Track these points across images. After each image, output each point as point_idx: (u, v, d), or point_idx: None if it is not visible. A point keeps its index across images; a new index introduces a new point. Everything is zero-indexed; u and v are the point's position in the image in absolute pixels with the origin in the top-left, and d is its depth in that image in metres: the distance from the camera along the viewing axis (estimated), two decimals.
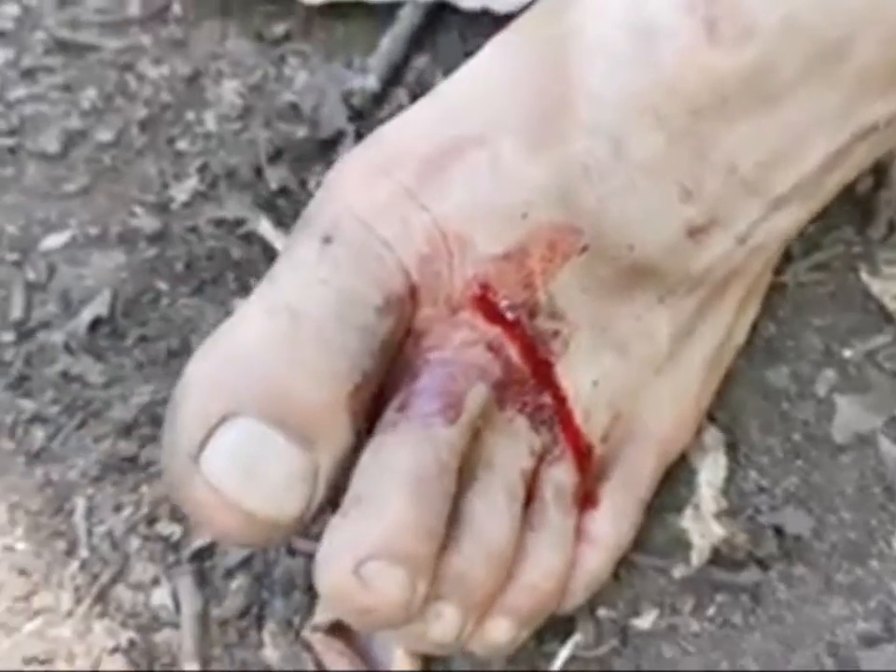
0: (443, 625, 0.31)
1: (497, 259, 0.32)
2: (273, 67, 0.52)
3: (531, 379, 0.33)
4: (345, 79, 0.51)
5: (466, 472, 0.32)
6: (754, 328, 0.40)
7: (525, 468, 0.33)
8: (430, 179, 0.32)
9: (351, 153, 0.33)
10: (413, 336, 0.32)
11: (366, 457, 0.30)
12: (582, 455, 0.35)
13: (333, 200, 0.32)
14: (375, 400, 0.32)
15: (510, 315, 0.32)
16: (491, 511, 0.32)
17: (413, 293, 0.31)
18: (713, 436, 0.39)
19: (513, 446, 0.33)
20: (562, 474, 0.35)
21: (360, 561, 0.29)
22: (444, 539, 0.30)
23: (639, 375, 0.36)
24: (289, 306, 0.30)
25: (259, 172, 0.49)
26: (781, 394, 0.40)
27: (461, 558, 0.31)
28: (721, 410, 0.39)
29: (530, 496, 0.34)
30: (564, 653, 0.36)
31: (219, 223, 0.48)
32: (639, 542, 0.37)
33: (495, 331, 0.32)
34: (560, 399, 0.34)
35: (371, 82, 0.49)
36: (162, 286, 0.46)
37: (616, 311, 0.34)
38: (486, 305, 0.32)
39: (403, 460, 0.30)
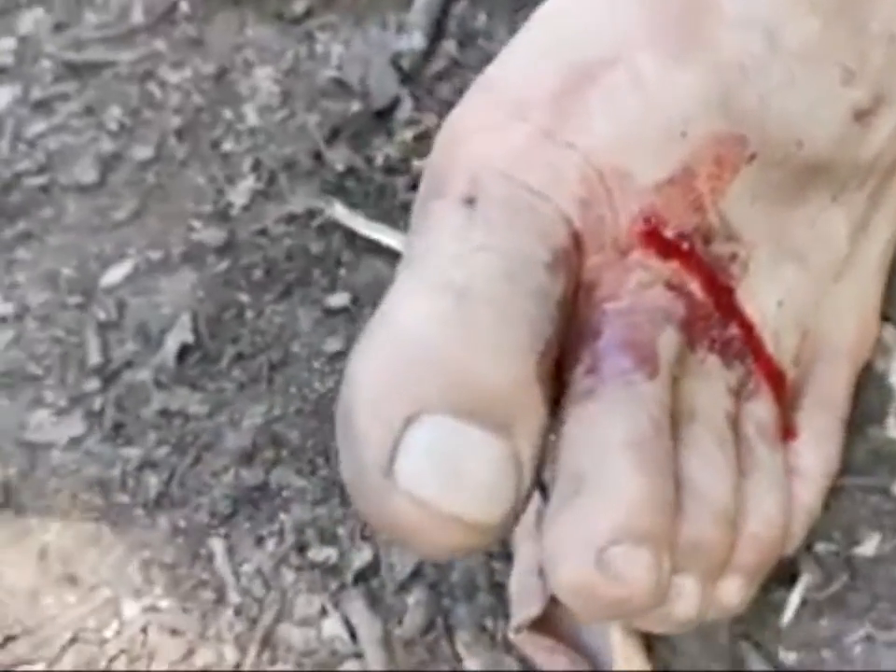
0: (686, 602, 0.28)
1: (662, 187, 0.28)
2: (302, 46, 0.48)
3: (715, 312, 0.30)
4: (387, 42, 0.47)
5: (672, 428, 0.28)
6: None
7: (728, 410, 0.30)
8: (568, 113, 0.28)
9: (464, 103, 0.30)
10: (584, 289, 0.28)
11: (572, 431, 0.27)
12: (777, 383, 0.32)
13: (463, 156, 0.28)
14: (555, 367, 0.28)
15: (684, 246, 0.29)
16: (708, 467, 0.28)
17: (577, 242, 0.28)
18: (892, 333, 0.36)
19: (711, 389, 0.30)
20: (761, 409, 0.31)
21: (601, 549, 0.25)
22: None
23: (820, 285, 0.32)
24: (451, 282, 0.26)
25: (318, 157, 0.45)
26: None
27: (691, 524, 0.28)
28: (894, 304, 0.36)
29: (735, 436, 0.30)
30: (794, 600, 0.33)
31: (289, 219, 0.44)
32: (844, 464, 0.33)
33: (671, 267, 0.29)
34: (747, 328, 0.31)
35: (417, 40, 0.45)
36: (244, 298, 0.43)
37: (791, 219, 0.31)
38: (657, 239, 0.28)
39: (618, 428, 0.26)
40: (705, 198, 0.29)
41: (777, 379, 0.31)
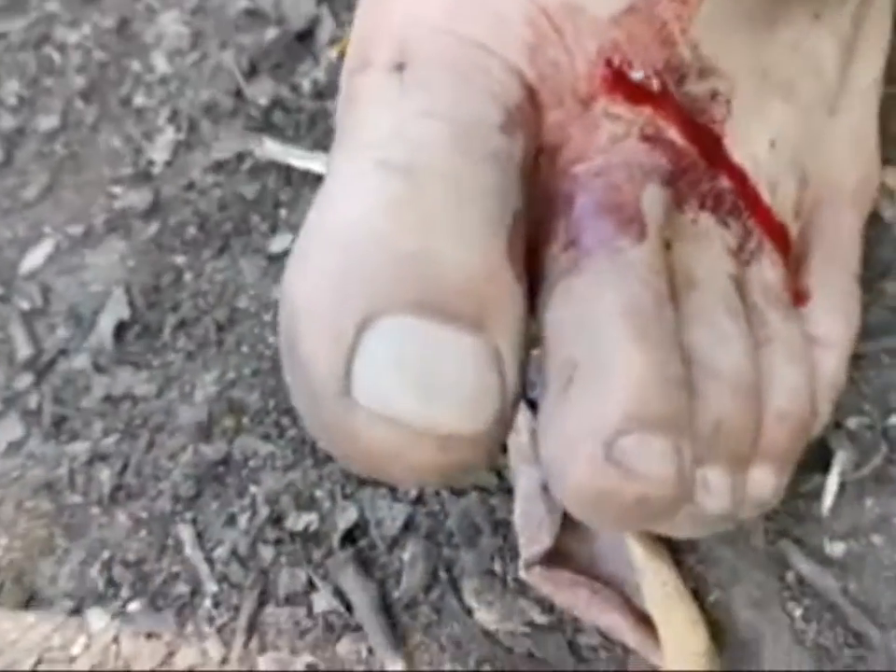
0: (716, 496, 0.24)
1: (620, 19, 0.24)
2: None
3: (701, 161, 0.25)
4: None
5: (672, 298, 0.24)
6: None
7: (731, 272, 0.26)
8: None
9: None
10: (547, 153, 0.24)
11: (557, 314, 0.23)
12: (781, 240, 0.28)
13: (386, 18, 0.24)
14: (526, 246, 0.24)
15: (655, 87, 0.25)
16: (719, 337, 0.24)
17: (532, 96, 0.23)
18: (895, 176, 0.32)
19: (709, 251, 0.26)
20: (766, 271, 0.27)
21: (609, 442, 0.21)
22: None
23: (814, 119, 0.28)
24: (392, 159, 0.22)
25: (239, 95, 0.41)
26: None
27: (708, 404, 0.24)
28: (891, 144, 0.32)
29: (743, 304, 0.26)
30: (832, 484, 0.29)
31: (217, 167, 0.40)
32: (862, 326, 0.29)
33: (644, 113, 0.24)
34: (739, 178, 0.26)
35: None
36: (180, 259, 0.38)
37: (772, 43, 0.27)
38: (623, 82, 0.24)
39: (609, 300, 0.22)
40: (671, 26, 0.24)
41: (779, 234, 0.27)
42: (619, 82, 0.24)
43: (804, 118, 0.28)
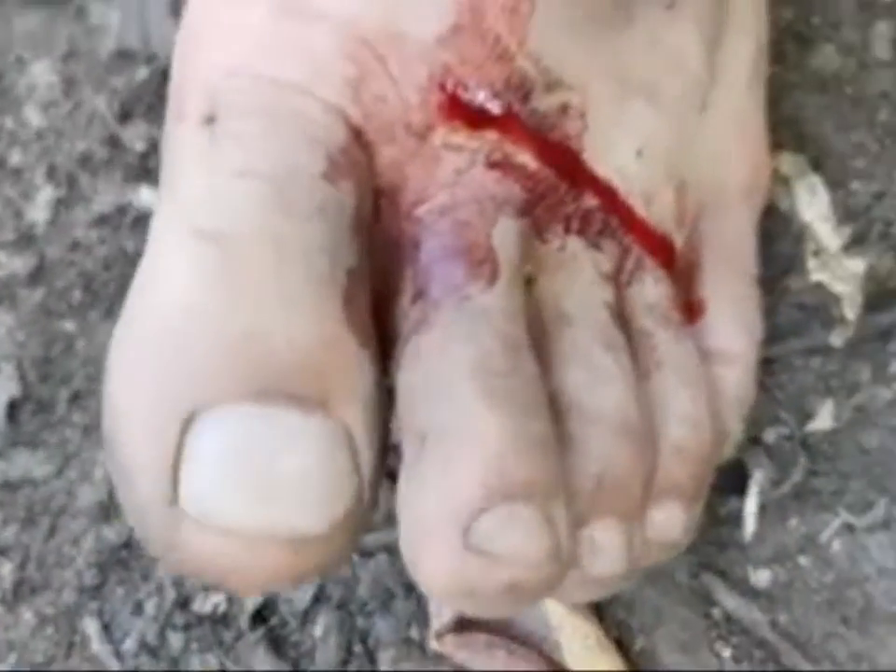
0: (607, 556, 0.22)
1: (447, 40, 0.22)
2: (77, 24, 0.42)
3: (561, 183, 0.23)
4: None
5: (539, 338, 0.23)
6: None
7: (608, 300, 0.24)
8: None
9: None
10: (387, 195, 0.22)
11: (407, 374, 0.21)
12: (664, 253, 0.26)
13: (196, 63, 0.22)
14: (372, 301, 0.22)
15: (497, 108, 0.23)
16: (597, 377, 0.22)
17: (359, 137, 0.22)
18: (791, 162, 0.30)
19: (580, 279, 0.24)
20: (650, 289, 0.25)
21: (467, 525, 0.19)
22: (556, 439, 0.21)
23: (685, 119, 0.26)
24: (206, 226, 0.20)
25: (115, 142, 0.39)
26: (840, 77, 0.31)
27: (589, 455, 0.22)
28: (782, 127, 0.30)
29: (625, 332, 0.25)
30: (751, 507, 0.27)
31: (99, 222, 0.38)
32: (769, 329, 0.28)
33: (489, 138, 0.23)
34: (607, 194, 0.25)
35: None
36: (70, 326, 0.36)
37: (623, 43, 0.24)
38: (461, 108, 0.22)
39: (460, 358, 0.20)
40: (506, 40, 0.22)
41: (661, 247, 0.25)
42: (456, 108, 0.22)
43: (672, 119, 0.26)
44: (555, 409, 0.22)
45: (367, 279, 0.22)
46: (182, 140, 0.22)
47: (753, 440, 0.28)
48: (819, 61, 0.30)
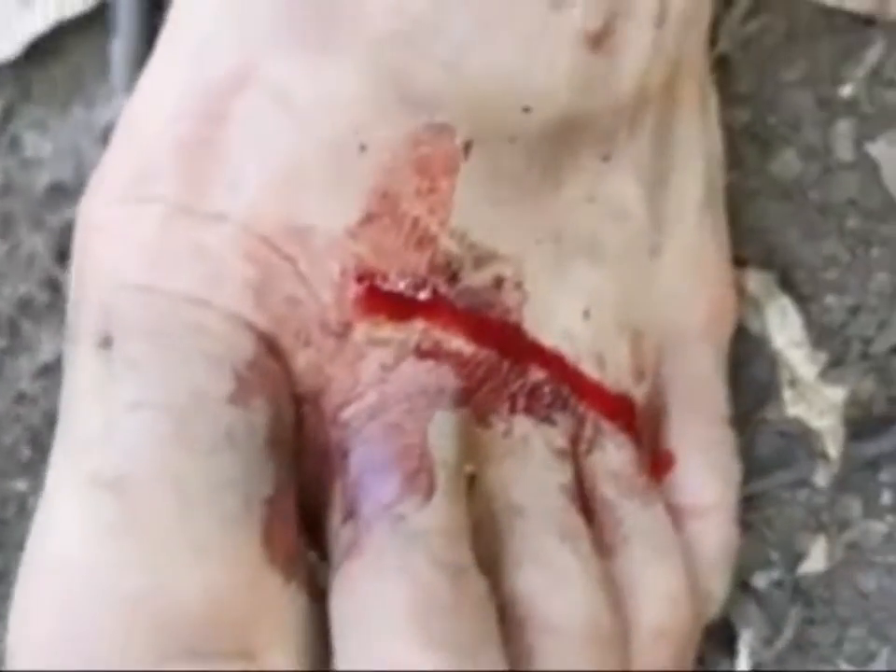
0: None
1: (360, 230, 0.20)
2: (11, 157, 0.40)
3: (502, 361, 0.22)
4: (93, 121, 0.39)
5: (489, 538, 0.21)
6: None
7: (562, 481, 0.22)
8: (204, 171, 0.20)
9: (93, 179, 0.22)
10: (309, 402, 0.20)
11: (338, 606, 0.19)
12: (622, 413, 0.24)
13: (90, 272, 0.20)
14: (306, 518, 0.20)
15: (422, 294, 0.21)
16: (553, 577, 0.21)
17: (270, 346, 0.20)
18: (758, 281, 0.28)
19: (530, 463, 0.22)
20: (612, 455, 0.23)
21: None
22: (513, 663, 0.19)
23: (632, 269, 0.24)
24: (103, 471, 0.18)
25: (54, 285, 0.37)
26: (803, 182, 0.29)
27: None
28: (746, 239, 0.28)
29: (585, 508, 0.23)
30: (742, 667, 0.25)
31: (43, 372, 0.36)
32: (749, 465, 0.26)
33: (416, 328, 0.21)
34: (555, 363, 0.23)
35: (119, 105, 0.37)
36: (21, 485, 0.35)
37: (557, 204, 0.23)
38: (382, 299, 0.21)
39: (394, 594, 0.18)
40: (425, 222, 0.21)
41: (619, 409, 0.24)
42: (375, 301, 0.20)
43: (618, 272, 0.24)
44: (511, 621, 0.20)
45: (292, 500, 0.20)
46: (79, 363, 0.20)
47: (742, 585, 0.25)
48: (779, 165, 0.28)
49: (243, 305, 0.20)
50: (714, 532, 0.24)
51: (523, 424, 0.22)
